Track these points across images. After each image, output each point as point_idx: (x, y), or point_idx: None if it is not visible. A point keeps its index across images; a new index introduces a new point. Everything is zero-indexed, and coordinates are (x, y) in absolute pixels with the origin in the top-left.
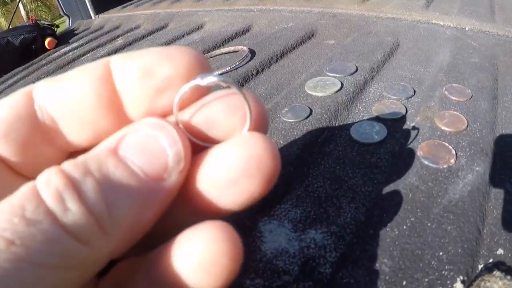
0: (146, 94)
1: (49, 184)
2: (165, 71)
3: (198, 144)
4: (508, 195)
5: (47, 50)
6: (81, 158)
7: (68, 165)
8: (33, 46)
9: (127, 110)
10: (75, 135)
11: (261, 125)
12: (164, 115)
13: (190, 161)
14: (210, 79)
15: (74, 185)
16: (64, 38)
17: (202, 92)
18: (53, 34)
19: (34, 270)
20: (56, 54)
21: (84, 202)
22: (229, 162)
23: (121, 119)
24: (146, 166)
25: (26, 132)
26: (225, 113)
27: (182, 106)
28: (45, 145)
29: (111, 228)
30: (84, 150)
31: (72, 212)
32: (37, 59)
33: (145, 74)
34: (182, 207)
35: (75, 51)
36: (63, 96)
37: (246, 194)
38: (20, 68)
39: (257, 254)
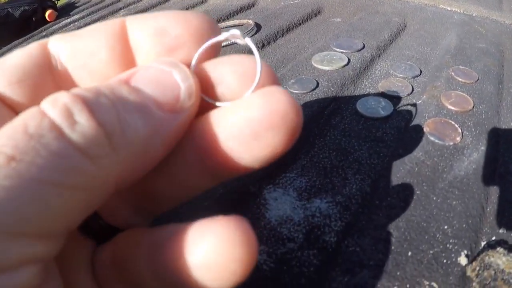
0: (159, 51)
1: (56, 102)
2: (178, 31)
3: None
4: (511, 176)
5: (48, 22)
6: (91, 86)
7: (79, 89)
8: (33, 18)
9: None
10: (87, 85)
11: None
12: None
13: (199, 99)
14: (229, 34)
15: (85, 101)
16: (64, 11)
17: (213, 54)
18: (53, 7)
19: (37, 188)
20: (56, 26)
21: (94, 115)
22: (254, 114)
23: None
24: (159, 96)
25: (40, 79)
26: (236, 71)
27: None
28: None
29: (122, 145)
30: None
31: (81, 125)
32: (37, 31)
33: (159, 32)
34: (197, 165)
35: (76, 23)
36: (77, 48)
37: (270, 148)
38: (20, 40)
39: (262, 221)
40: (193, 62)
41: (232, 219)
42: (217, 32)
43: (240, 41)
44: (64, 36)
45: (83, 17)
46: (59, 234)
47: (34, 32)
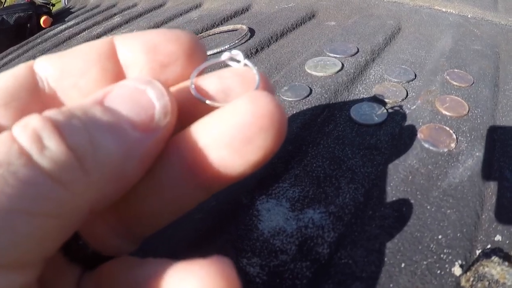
0: (151, 68)
1: (26, 126)
2: (170, 48)
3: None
4: (507, 182)
5: (42, 28)
6: (64, 107)
7: (51, 111)
8: (28, 25)
9: None
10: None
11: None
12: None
13: (176, 117)
14: (231, 54)
15: (55, 124)
16: (59, 17)
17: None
18: (48, 13)
19: (7, 217)
20: (51, 32)
21: (64, 139)
22: (245, 119)
23: None
24: (133, 115)
25: (26, 102)
26: (237, 80)
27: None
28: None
29: (94, 168)
30: None
31: (50, 150)
32: (32, 37)
33: (151, 49)
34: (188, 180)
35: (71, 29)
36: (66, 69)
37: (262, 151)
38: (15, 47)
39: (254, 232)
40: (193, 79)
41: (214, 262)
42: (204, 50)
43: (239, 62)
44: (52, 57)
45: (77, 23)
46: (35, 262)
47: (29, 38)
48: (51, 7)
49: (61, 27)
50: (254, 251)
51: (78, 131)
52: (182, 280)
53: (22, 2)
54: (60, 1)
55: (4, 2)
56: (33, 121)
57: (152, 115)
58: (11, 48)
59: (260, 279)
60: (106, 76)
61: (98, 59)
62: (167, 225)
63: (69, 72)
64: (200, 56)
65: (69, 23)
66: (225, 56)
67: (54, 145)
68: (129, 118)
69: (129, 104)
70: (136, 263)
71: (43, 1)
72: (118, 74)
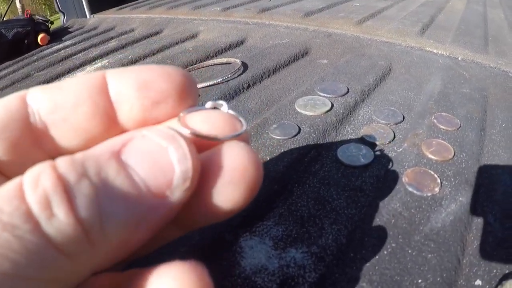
0: (142, 105)
1: (36, 183)
2: (162, 85)
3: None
4: (490, 226)
5: (39, 46)
6: (79, 155)
7: (64, 163)
8: (26, 41)
9: (121, 119)
10: (65, 140)
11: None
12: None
13: (197, 180)
14: (216, 103)
15: (66, 189)
16: (57, 35)
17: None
18: (46, 30)
19: (9, 283)
20: (48, 50)
21: (74, 210)
22: (217, 171)
23: (113, 128)
24: (150, 179)
25: (17, 134)
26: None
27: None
28: (35, 148)
29: (101, 242)
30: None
31: (59, 219)
32: (28, 54)
33: (143, 85)
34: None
35: (68, 49)
36: (57, 102)
37: (230, 203)
38: (10, 62)
39: (236, 269)
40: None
41: (188, 263)
42: (195, 88)
43: (223, 109)
44: (44, 89)
45: (74, 44)
46: None
47: (26, 54)
48: (49, 25)
49: (58, 46)
50: (235, 287)
51: (87, 202)
52: (160, 280)
53: (21, 18)
54: (58, 19)
55: (4, 16)
56: (45, 180)
57: (170, 181)
58: (7, 63)
59: None
60: (97, 111)
61: (90, 95)
62: (151, 257)
63: (61, 106)
64: (191, 94)
65: (66, 43)
66: (209, 104)
67: (62, 215)
68: (145, 182)
69: (147, 163)
70: (119, 275)
71: (42, 19)
72: (108, 110)
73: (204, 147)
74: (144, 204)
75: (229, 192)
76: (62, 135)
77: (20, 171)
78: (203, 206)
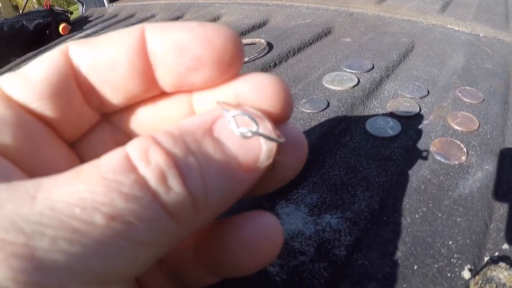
0: (177, 70)
1: (148, 159)
2: (198, 51)
3: None
4: None
5: (61, 35)
6: (175, 131)
7: (166, 139)
8: (47, 31)
9: (159, 80)
10: (108, 97)
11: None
12: (193, 89)
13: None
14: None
15: (177, 165)
16: (77, 25)
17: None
18: (67, 20)
19: (131, 247)
20: (70, 40)
21: (186, 183)
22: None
23: (153, 87)
24: (240, 155)
25: (68, 92)
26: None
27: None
28: (84, 105)
29: (203, 211)
30: (115, 112)
31: (175, 191)
32: (51, 44)
33: (178, 49)
34: None
35: (90, 38)
36: (97, 61)
37: (289, 175)
38: (33, 52)
39: None
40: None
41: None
42: (240, 49)
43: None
44: (84, 45)
45: (96, 32)
46: (131, 278)
47: (48, 45)
48: (69, 15)
49: (79, 35)
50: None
51: (195, 176)
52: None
53: (41, 9)
54: (77, 9)
55: (23, 9)
56: (155, 155)
57: (257, 157)
58: (30, 54)
59: (279, 278)
60: (135, 73)
61: (127, 55)
62: None
63: (99, 67)
64: (233, 63)
65: (88, 31)
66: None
67: (178, 188)
68: (237, 158)
69: (238, 141)
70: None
71: (62, 9)
72: (147, 71)
73: None
74: (236, 178)
75: (290, 166)
76: (105, 92)
77: (75, 130)
78: (272, 176)
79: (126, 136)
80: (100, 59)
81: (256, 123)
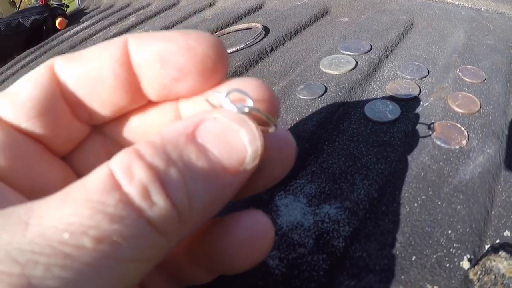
0: (162, 80)
1: (131, 176)
2: (181, 61)
3: None
4: None
5: (58, 30)
6: (157, 140)
7: (148, 150)
8: (44, 27)
9: (145, 90)
10: (96, 110)
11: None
12: (179, 97)
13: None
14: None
15: (160, 178)
16: (74, 18)
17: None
18: (63, 14)
19: (121, 266)
20: (67, 34)
21: (170, 196)
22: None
23: (139, 97)
24: (225, 158)
25: (56, 109)
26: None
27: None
28: (73, 120)
29: (189, 220)
30: (105, 123)
31: (159, 206)
32: (48, 39)
33: (161, 62)
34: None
35: (87, 30)
36: (82, 76)
37: (278, 176)
38: (31, 49)
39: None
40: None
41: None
42: (223, 55)
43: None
44: (69, 60)
45: (93, 24)
46: None
47: (46, 40)
48: (65, 9)
49: (76, 28)
50: (274, 244)
51: (178, 186)
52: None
53: (37, 5)
54: (73, 1)
55: (19, 5)
56: (138, 171)
57: (243, 159)
58: (28, 51)
59: (279, 271)
60: (120, 85)
61: (112, 67)
62: None
63: (85, 79)
64: (216, 70)
65: (85, 24)
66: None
67: (162, 202)
68: (221, 161)
69: (221, 144)
70: None
71: (57, 3)
72: (131, 82)
73: None
74: (221, 182)
75: (278, 167)
76: (93, 106)
77: (66, 145)
78: (259, 178)
79: (117, 145)
80: (85, 73)
81: (251, 99)
